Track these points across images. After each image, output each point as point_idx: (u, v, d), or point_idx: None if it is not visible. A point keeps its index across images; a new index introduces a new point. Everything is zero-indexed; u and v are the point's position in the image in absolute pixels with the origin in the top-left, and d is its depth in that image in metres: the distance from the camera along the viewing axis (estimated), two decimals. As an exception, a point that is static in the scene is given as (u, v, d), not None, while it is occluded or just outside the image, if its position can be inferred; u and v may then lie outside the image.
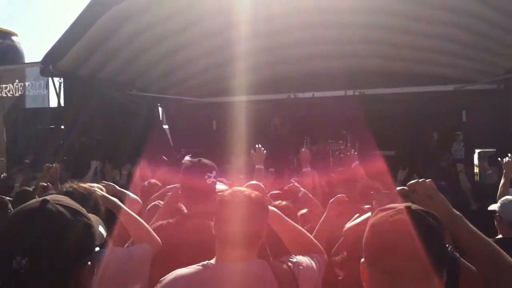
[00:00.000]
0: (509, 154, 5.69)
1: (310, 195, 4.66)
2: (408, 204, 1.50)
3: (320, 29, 10.91)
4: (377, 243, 1.44)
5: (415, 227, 1.40)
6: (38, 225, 1.41)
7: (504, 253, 1.80)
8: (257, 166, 5.08)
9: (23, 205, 1.49)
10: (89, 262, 1.49)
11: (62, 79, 10.57)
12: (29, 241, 1.38)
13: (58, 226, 1.43)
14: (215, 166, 3.26)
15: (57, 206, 1.46)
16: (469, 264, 1.82)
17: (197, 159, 3.28)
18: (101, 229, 1.63)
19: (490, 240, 1.83)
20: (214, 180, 3.17)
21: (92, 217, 1.61)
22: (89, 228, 1.51)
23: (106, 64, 10.70)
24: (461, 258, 1.81)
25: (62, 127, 10.73)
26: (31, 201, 1.50)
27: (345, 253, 3.51)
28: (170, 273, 2.25)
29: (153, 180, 5.80)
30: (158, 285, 2.24)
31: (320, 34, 11.13)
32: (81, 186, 2.78)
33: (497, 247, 1.83)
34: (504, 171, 5.52)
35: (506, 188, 5.31)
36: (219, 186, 3.23)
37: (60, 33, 9.47)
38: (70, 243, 1.43)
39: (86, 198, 2.67)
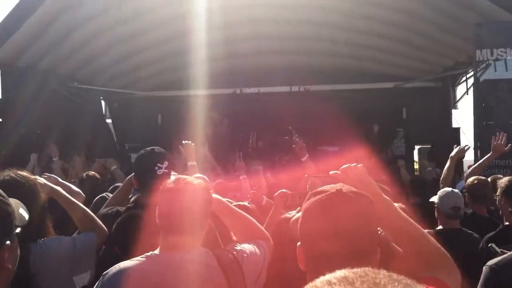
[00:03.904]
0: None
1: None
2: (339, 186, 1.52)
3: (266, 24, 10.98)
4: (311, 227, 1.45)
5: (347, 209, 1.43)
6: None
7: (431, 237, 1.87)
8: (189, 163, 4.63)
9: None
10: (8, 242, 1.44)
11: (-1, 70, 10.14)
12: None
13: None
14: (168, 156, 3.20)
15: None
16: (397, 247, 1.87)
17: (150, 148, 3.22)
18: (22, 211, 1.59)
19: (417, 225, 1.89)
20: (166, 171, 3.09)
21: (12, 200, 1.56)
22: (6, 208, 1.47)
23: (46, 55, 10.30)
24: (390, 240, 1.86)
25: (0, 120, 10.28)
26: None
27: None
28: (113, 267, 2.20)
29: (91, 172, 5.68)
30: (101, 279, 2.19)
31: (267, 29, 11.19)
32: (18, 174, 2.68)
33: (425, 231, 1.90)
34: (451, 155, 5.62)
35: (450, 171, 5.42)
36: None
37: (-3, 22, 9.08)
38: None
39: (21, 185, 2.59)
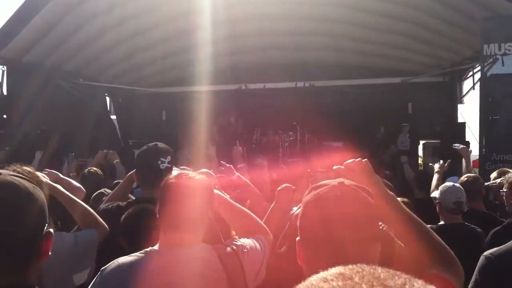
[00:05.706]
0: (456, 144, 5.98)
1: (253, 187, 4.59)
2: (340, 180, 1.51)
3: (271, 20, 10.94)
4: (312, 216, 1.44)
5: (348, 199, 1.42)
6: (4, 197, 1.41)
7: (434, 233, 1.84)
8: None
9: None
10: (51, 230, 1.50)
11: (5, 67, 10.16)
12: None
13: (25, 196, 1.44)
14: (170, 151, 3.21)
15: (16, 177, 1.47)
16: (400, 242, 1.85)
17: (153, 143, 3.21)
18: None
19: (421, 220, 1.86)
20: (168, 165, 3.09)
21: None
22: (44, 199, 1.51)
23: (52, 52, 10.32)
24: (393, 236, 1.84)
25: (5, 116, 10.32)
26: None
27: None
28: (111, 262, 2.17)
29: (93, 168, 5.66)
30: (99, 274, 2.16)
31: (272, 25, 11.16)
32: (25, 170, 2.68)
33: (428, 227, 1.87)
34: (435, 169, 5.75)
35: (439, 184, 5.44)
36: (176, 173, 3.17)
37: (4, 19, 9.11)
38: (37, 213, 1.46)
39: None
